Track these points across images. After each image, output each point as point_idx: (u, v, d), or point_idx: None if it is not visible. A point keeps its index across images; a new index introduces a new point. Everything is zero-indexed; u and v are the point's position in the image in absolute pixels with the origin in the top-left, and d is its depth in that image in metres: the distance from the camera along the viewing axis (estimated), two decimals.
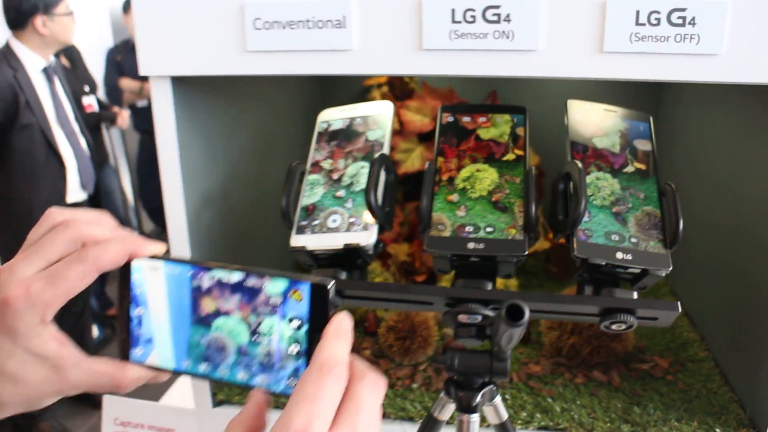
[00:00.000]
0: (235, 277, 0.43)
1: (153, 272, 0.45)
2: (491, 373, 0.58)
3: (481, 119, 0.72)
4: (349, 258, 0.65)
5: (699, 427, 0.78)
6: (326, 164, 0.70)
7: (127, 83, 3.57)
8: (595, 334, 0.88)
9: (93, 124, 2.85)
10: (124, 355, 0.47)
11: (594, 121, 0.71)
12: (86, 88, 2.85)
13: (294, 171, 0.68)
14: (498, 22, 0.60)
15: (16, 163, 2.17)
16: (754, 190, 0.82)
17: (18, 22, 2.19)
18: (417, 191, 1.08)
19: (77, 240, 0.43)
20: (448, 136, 0.71)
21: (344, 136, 0.72)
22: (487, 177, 0.67)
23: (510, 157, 0.69)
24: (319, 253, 0.65)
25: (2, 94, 2.09)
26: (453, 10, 0.59)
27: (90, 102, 2.86)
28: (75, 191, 2.37)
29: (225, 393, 0.85)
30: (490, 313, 0.59)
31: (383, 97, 1.15)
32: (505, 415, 0.63)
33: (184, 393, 1.29)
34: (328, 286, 0.41)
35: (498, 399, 0.62)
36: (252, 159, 0.93)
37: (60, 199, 2.32)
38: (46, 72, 2.28)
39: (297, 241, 0.66)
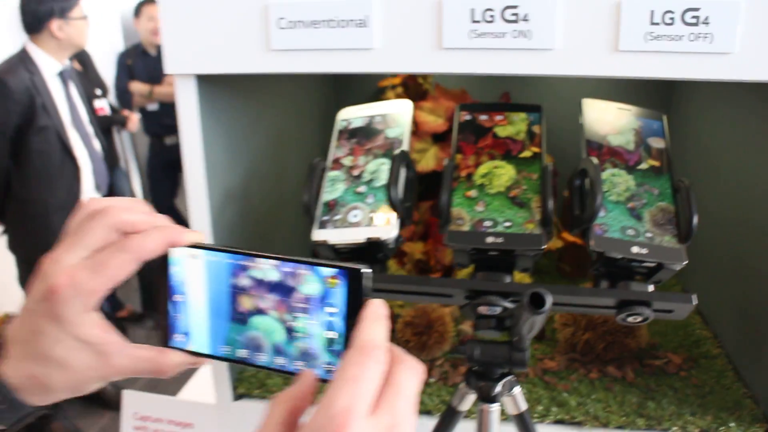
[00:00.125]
0: (272, 264, 0.44)
1: (192, 260, 0.47)
2: (511, 363, 0.59)
3: (498, 117, 0.73)
4: (371, 252, 0.66)
5: (713, 422, 0.79)
6: (347, 161, 0.72)
7: (137, 87, 3.60)
8: (609, 330, 0.89)
9: (104, 128, 2.88)
10: (165, 342, 0.48)
11: (608, 120, 0.73)
12: (98, 92, 2.88)
13: (315, 167, 0.70)
14: (516, 21, 0.61)
15: (32, 164, 2.21)
16: (765, 188, 0.83)
17: (35, 26, 2.23)
18: (431, 191, 1.10)
19: (116, 227, 0.45)
20: (465, 133, 0.72)
21: (364, 133, 0.74)
22: (504, 173, 0.69)
23: (527, 154, 0.70)
24: (341, 247, 0.67)
25: (20, 97, 2.12)
26: (472, 10, 0.61)
27: (101, 105, 2.89)
28: (90, 192, 2.41)
29: (245, 386, 0.87)
30: (509, 305, 0.60)
31: (397, 97, 1.17)
32: (523, 406, 0.64)
33: (202, 387, 1.31)
34: (363, 272, 0.42)
35: (517, 390, 0.63)
36: (270, 157, 0.95)
37: (75, 201, 2.35)
38: (62, 75, 2.31)
39: (319, 235, 0.67)
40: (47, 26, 2.23)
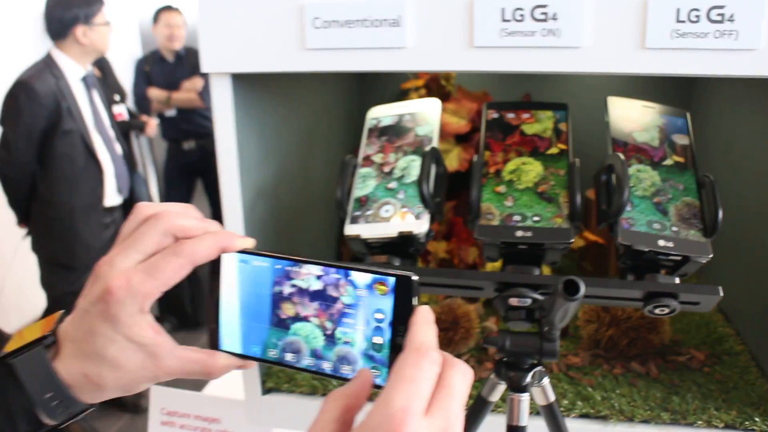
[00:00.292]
0: (321, 270, 0.45)
1: (242, 265, 0.48)
2: (541, 353, 0.61)
3: (525, 115, 0.75)
4: (402, 246, 0.68)
5: (738, 417, 0.80)
6: (377, 158, 0.74)
7: (155, 93, 3.65)
8: (632, 327, 0.90)
9: (122, 133, 2.92)
10: (214, 344, 0.49)
11: (633, 117, 0.74)
12: (116, 98, 2.93)
13: (347, 164, 0.72)
14: (545, 20, 0.63)
15: (58, 167, 2.25)
16: None
17: (60, 32, 2.27)
18: (455, 191, 1.11)
19: (169, 232, 0.46)
20: (493, 131, 0.74)
21: (394, 131, 0.75)
22: (532, 169, 0.70)
23: (554, 150, 0.72)
24: (373, 242, 0.69)
25: (46, 101, 2.17)
26: (503, 10, 0.63)
27: (120, 111, 2.94)
28: (112, 195, 2.45)
29: (274, 381, 0.89)
30: (539, 296, 0.61)
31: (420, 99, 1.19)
32: (552, 397, 0.66)
33: (228, 382, 1.33)
34: (413, 278, 0.43)
35: (546, 380, 0.65)
36: (298, 155, 0.97)
37: (98, 203, 2.39)
38: (85, 80, 2.36)
39: (351, 230, 0.69)
40: (72, 32, 2.27)
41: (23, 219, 2.42)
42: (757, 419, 0.79)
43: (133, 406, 2.78)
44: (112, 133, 2.47)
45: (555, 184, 0.69)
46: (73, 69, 2.32)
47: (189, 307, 3.32)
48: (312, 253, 1.08)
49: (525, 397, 0.63)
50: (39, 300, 2.96)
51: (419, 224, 0.66)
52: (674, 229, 0.65)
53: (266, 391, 0.89)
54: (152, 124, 3.24)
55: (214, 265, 0.49)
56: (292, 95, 0.93)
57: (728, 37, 0.63)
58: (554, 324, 0.56)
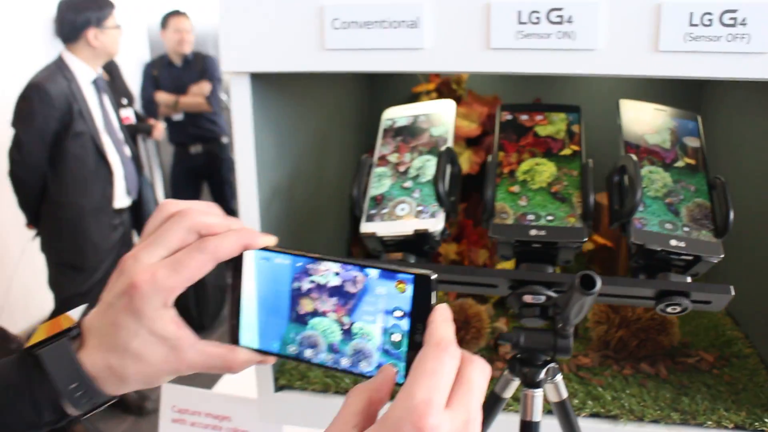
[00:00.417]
0: (341, 268, 0.46)
1: (263, 262, 0.49)
2: (555, 349, 0.61)
3: (538, 117, 0.76)
4: (418, 244, 0.69)
5: (747, 417, 0.80)
6: (392, 158, 0.75)
7: (162, 97, 3.68)
8: (642, 328, 0.91)
9: (130, 136, 2.94)
10: (234, 340, 0.50)
11: (645, 120, 0.75)
12: (124, 101, 2.95)
13: (364, 163, 0.73)
14: (561, 23, 0.64)
15: (69, 169, 2.27)
16: None
17: (72, 35, 2.30)
18: (465, 193, 1.12)
19: (193, 229, 0.47)
20: (507, 132, 0.75)
21: (409, 132, 0.77)
22: (546, 170, 0.71)
23: (567, 152, 0.73)
24: (388, 239, 0.70)
25: (59, 103, 2.19)
26: (519, 12, 0.64)
27: (127, 114, 2.96)
28: (121, 197, 2.47)
29: (287, 378, 0.90)
30: (553, 294, 0.62)
31: None
32: (565, 393, 0.67)
33: (238, 380, 1.34)
34: (432, 278, 0.44)
35: (559, 377, 0.66)
36: (312, 156, 0.99)
37: (108, 205, 2.41)
38: (96, 83, 2.38)
39: (367, 228, 0.70)
40: (84, 35, 2.30)
41: (33, 220, 2.44)
42: (766, 420, 0.80)
43: (137, 408, 2.79)
44: (121, 135, 2.49)
45: (568, 184, 0.70)
46: (84, 71, 2.35)
47: (194, 311, 3.33)
48: (324, 253, 1.09)
49: (539, 393, 0.64)
50: (45, 301, 2.97)
51: (435, 222, 0.67)
52: (686, 229, 0.66)
53: (279, 388, 0.90)
54: (159, 128, 3.26)
55: (235, 263, 0.50)
56: (307, 97, 0.95)
57: (740, 41, 0.64)
58: (569, 320, 0.57)
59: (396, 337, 0.45)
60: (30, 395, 0.47)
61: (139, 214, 2.64)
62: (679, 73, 0.66)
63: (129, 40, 3.69)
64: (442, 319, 0.42)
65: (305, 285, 0.48)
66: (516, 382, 0.67)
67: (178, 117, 3.71)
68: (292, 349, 0.48)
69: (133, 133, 3.04)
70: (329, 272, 0.47)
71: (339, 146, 1.13)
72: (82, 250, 2.38)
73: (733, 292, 0.62)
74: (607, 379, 0.88)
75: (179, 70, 3.70)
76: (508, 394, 0.67)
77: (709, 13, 0.64)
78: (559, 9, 0.64)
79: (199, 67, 3.68)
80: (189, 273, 0.46)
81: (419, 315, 0.44)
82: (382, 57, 0.67)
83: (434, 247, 0.70)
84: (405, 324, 0.44)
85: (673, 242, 0.65)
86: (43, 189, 2.33)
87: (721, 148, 1.11)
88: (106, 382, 0.48)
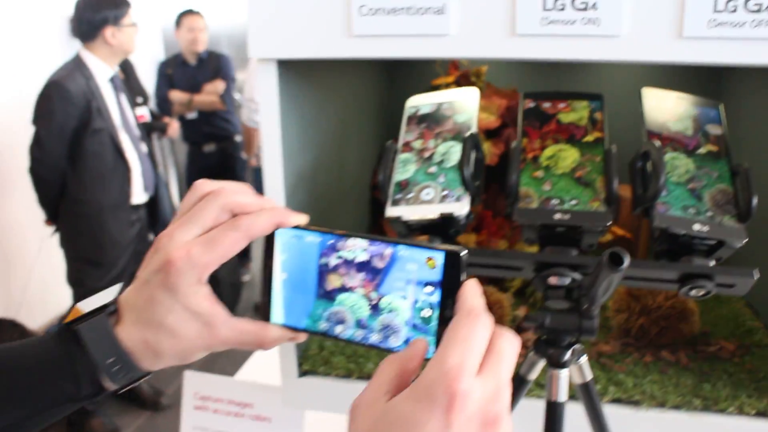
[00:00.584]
0: (372, 245, 0.47)
1: (295, 240, 0.50)
2: (580, 330, 0.62)
3: (561, 105, 0.77)
4: (443, 227, 0.70)
5: None
6: (417, 144, 0.76)
7: (177, 96, 3.71)
8: (663, 316, 0.92)
9: (145, 134, 2.97)
10: (266, 317, 0.51)
11: (667, 107, 0.76)
12: (139, 99, 2.98)
13: (388, 150, 0.74)
14: (585, 9, 0.65)
15: (87, 165, 2.30)
16: None
17: (89, 33, 2.33)
18: (485, 184, 1.13)
19: (227, 207, 0.48)
20: (530, 119, 0.76)
21: (433, 119, 0.78)
22: (569, 156, 0.72)
23: (589, 138, 0.74)
24: (413, 223, 0.71)
25: (78, 100, 2.22)
26: None
27: (142, 113, 2.98)
28: (139, 193, 2.49)
29: (310, 363, 0.91)
30: (577, 276, 0.63)
31: None
32: (589, 375, 0.67)
33: (260, 367, 1.36)
34: (462, 254, 0.45)
35: (584, 358, 0.66)
36: (335, 144, 1.00)
37: (126, 201, 2.44)
38: (113, 81, 2.41)
39: (393, 212, 0.71)
40: (101, 33, 2.33)
41: (52, 217, 2.47)
42: None
43: (153, 403, 2.81)
44: (137, 132, 2.52)
45: (591, 169, 0.71)
46: (102, 69, 2.38)
47: None
48: None
49: (564, 374, 0.65)
50: (63, 297, 3.01)
51: (460, 206, 0.68)
52: (709, 214, 0.67)
53: (302, 373, 0.91)
54: (174, 126, 3.29)
55: (268, 241, 0.51)
56: (330, 85, 0.96)
57: (765, 27, 0.65)
58: (596, 299, 0.58)
59: (426, 312, 0.45)
60: (71, 369, 0.48)
61: (154, 211, 2.67)
62: (703, 60, 0.66)
63: (144, 39, 3.72)
64: (473, 292, 0.43)
65: (333, 261, 0.49)
66: (541, 364, 0.67)
67: (192, 115, 3.73)
68: (322, 326, 0.49)
69: (148, 131, 3.06)
70: (356, 248, 0.48)
71: (359, 135, 1.14)
72: (100, 246, 2.41)
73: (756, 275, 0.63)
74: (629, 365, 0.89)
75: (193, 69, 3.73)
76: (533, 375, 0.68)
77: (734, 0, 0.64)
78: None
79: (213, 65, 3.71)
80: (223, 250, 0.47)
81: (449, 291, 0.45)
82: (408, 43, 0.68)
83: (459, 231, 0.71)
84: (435, 298, 0.45)
85: (697, 226, 0.65)
86: (63, 186, 2.36)
87: (743, 135, 1.11)
88: (141, 357, 0.49)
